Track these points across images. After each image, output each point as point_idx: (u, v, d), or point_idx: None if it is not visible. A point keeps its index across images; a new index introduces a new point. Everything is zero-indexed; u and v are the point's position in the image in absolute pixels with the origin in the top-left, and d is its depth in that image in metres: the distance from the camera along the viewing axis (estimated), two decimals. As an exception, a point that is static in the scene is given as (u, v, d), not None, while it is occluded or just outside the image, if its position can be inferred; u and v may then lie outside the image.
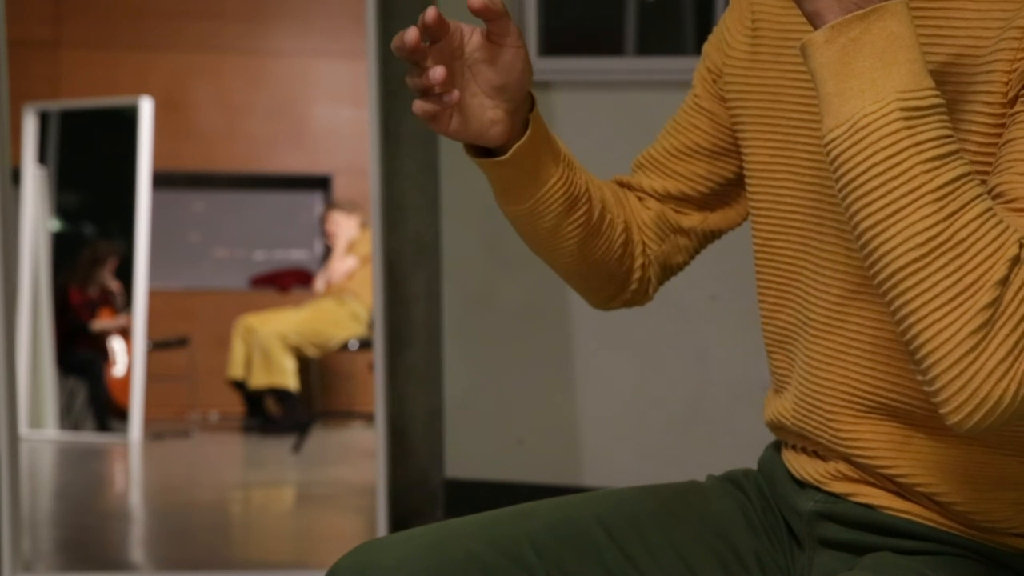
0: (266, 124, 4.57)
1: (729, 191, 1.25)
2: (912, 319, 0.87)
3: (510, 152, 1.11)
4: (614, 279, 1.24)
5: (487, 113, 1.08)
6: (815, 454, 1.13)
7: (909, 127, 0.87)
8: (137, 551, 3.26)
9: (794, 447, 1.16)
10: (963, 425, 0.88)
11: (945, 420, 0.88)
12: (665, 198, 1.25)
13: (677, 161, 1.24)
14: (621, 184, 1.28)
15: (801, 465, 1.14)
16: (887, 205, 0.87)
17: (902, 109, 0.87)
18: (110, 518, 3.66)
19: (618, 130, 3.13)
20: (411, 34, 1.02)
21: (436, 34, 1.04)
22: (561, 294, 3.22)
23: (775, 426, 1.18)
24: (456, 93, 1.05)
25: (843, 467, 1.10)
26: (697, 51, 3.37)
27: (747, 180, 1.18)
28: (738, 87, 1.18)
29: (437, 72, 1.02)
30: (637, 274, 1.25)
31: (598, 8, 3.41)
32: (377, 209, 3.01)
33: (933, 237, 0.86)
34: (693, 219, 1.26)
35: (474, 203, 3.19)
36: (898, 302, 0.88)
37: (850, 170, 0.88)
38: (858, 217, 0.88)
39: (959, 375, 0.86)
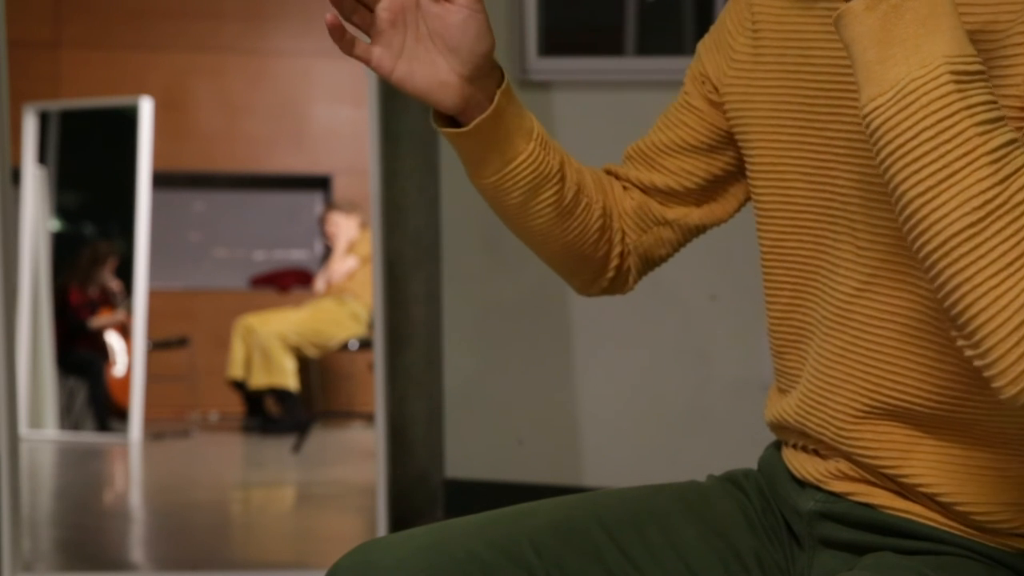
0: (266, 124, 4.57)
1: (714, 187, 1.26)
2: (965, 288, 0.85)
3: (472, 125, 1.11)
4: (590, 263, 1.24)
5: (439, 73, 1.09)
6: (815, 453, 1.13)
7: (960, 91, 0.85)
8: (137, 551, 3.26)
9: (794, 446, 1.16)
10: (1020, 399, 0.85)
11: (999, 394, 0.86)
12: (650, 190, 1.26)
13: (664, 156, 1.25)
14: (609, 172, 1.29)
15: (801, 464, 1.14)
16: (940, 170, 0.85)
17: (952, 73, 0.85)
18: (110, 518, 3.66)
19: (618, 130, 3.12)
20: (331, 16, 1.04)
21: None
22: (561, 294, 3.22)
23: (777, 425, 1.18)
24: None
25: (843, 466, 1.10)
26: (697, 51, 3.38)
27: (752, 182, 1.18)
28: (742, 90, 1.18)
29: (328, 16, 1.04)
30: (615, 262, 1.25)
31: (598, 8, 3.41)
32: (377, 209, 3.01)
33: (990, 200, 0.84)
34: (676, 212, 1.26)
35: (474, 203, 3.18)
36: (949, 271, 0.85)
37: (897, 136, 0.86)
38: (905, 185, 0.86)
39: (1017, 344, 0.84)
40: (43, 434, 4.47)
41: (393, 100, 3.20)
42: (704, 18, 3.35)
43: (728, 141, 1.23)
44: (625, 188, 1.27)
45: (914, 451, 1.06)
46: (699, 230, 1.27)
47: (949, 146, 0.84)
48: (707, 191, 1.25)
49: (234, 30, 4.54)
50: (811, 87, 1.11)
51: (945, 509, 1.06)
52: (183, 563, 3.03)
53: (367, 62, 1.08)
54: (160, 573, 2.97)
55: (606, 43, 3.40)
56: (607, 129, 3.13)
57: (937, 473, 1.06)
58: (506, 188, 1.16)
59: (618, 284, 1.27)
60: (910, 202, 0.86)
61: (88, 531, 3.42)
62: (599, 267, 1.25)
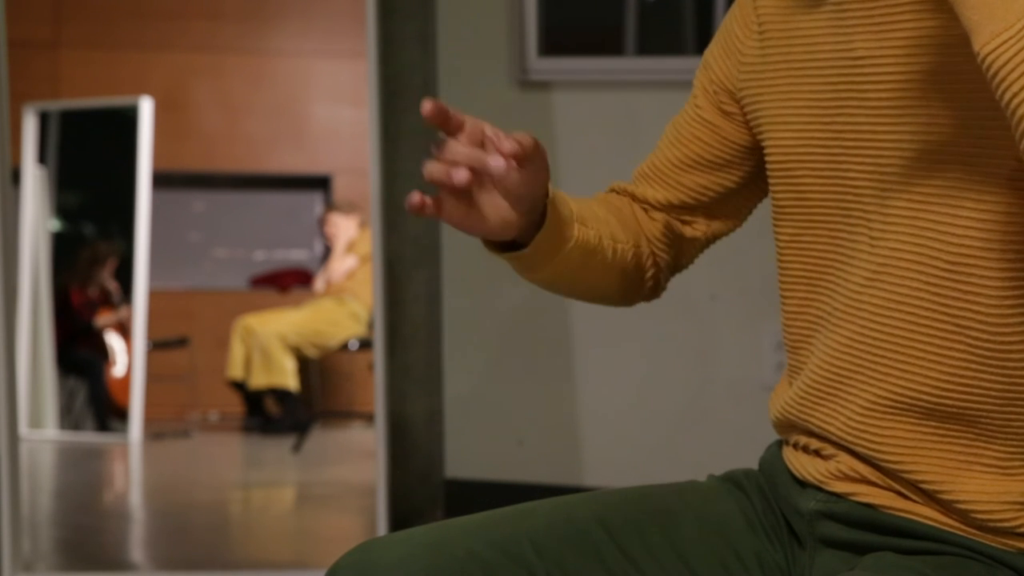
0: (266, 124, 4.57)
1: (731, 198, 1.28)
2: None
3: (530, 247, 1.14)
4: (627, 292, 1.28)
5: (502, 214, 1.10)
6: (816, 453, 1.13)
7: None
8: (137, 551, 3.26)
9: (794, 445, 1.17)
10: None
11: None
12: (669, 208, 1.28)
13: (680, 173, 1.27)
14: (622, 193, 1.31)
15: (802, 464, 1.14)
16: None
17: None
18: (110, 518, 3.66)
19: (618, 130, 3.12)
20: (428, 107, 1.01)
21: (444, 128, 1.03)
22: (561, 294, 3.21)
23: (781, 422, 1.18)
24: (462, 174, 1.02)
25: (844, 467, 1.10)
26: (697, 51, 3.37)
27: (769, 179, 1.19)
28: (754, 91, 1.19)
29: (461, 175, 1.01)
30: (650, 282, 1.29)
31: (598, 8, 3.41)
32: (377, 209, 3.01)
33: None
34: (697, 229, 1.29)
35: (474, 203, 3.19)
36: None
37: None
38: None
39: None
40: (43, 434, 4.47)
41: (393, 100, 3.20)
42: (704, 18, 3.36)
43: (742, 154, 1.25)
44: (646, 210, 1.29)
45: (918, 447, 1.06)
46: (716, 238, 1.31)
47: None
48: (723, 203, 1.28)
49: (234, 30, 4.54)
50: (817, 83, 1.12)
51: (946, 507, 1.07)
52: (183, 563, 3.03)
53: (439, 215, 1.07)
54: (160, 573, 2.97)
55: (606, 43, 3.40)
56: (607, 129, 3.13)
57: (939, 470, 1.06)
58: (558, 275, 1.19)
59: (652, 295, 1.31)
60: None
61: (88, 531, 3.42)
62: (635, 291, 1.28)
